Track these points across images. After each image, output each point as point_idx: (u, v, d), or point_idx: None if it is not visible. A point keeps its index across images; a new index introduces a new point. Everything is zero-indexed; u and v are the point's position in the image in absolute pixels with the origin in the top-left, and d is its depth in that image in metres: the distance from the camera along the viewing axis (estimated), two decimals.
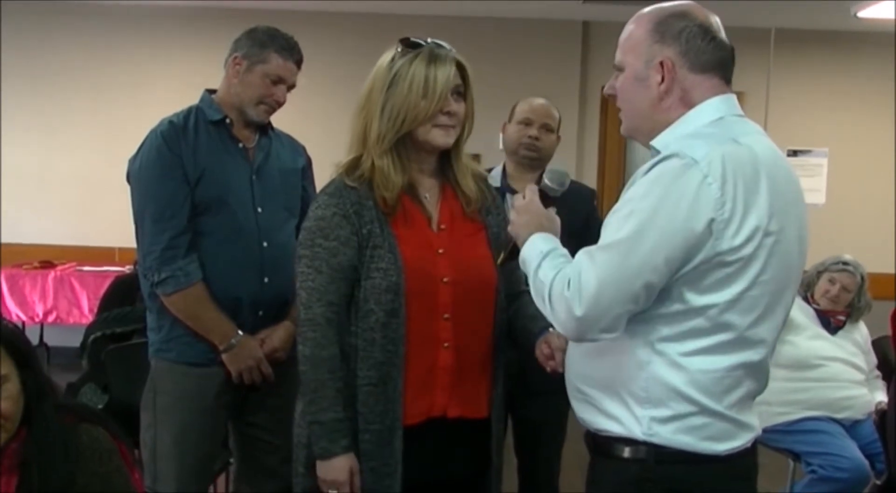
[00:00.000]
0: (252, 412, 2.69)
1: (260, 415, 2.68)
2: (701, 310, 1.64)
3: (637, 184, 1.66)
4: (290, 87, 2.65)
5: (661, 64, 1.70)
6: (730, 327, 1.65)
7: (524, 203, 1.89)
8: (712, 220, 1.59)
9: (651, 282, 1.60)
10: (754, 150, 1.66)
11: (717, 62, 1.72)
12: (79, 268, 6.54)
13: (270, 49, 2.58)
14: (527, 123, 3.12)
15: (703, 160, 1.60)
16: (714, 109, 1.72)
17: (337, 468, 1.95)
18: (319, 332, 1.96)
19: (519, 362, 2.21)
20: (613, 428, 1.72)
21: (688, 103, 1.72)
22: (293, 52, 2.61)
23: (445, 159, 2.09)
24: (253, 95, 2.59)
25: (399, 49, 2.00)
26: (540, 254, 1.75)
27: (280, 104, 2.64)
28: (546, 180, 1.99)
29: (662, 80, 1.70)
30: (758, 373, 1.74)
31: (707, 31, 1.71)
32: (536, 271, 1.73)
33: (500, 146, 3.22)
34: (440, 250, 2.04)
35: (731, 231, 1.60)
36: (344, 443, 1.94)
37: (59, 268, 6.51)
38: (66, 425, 1.74)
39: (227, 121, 2.62)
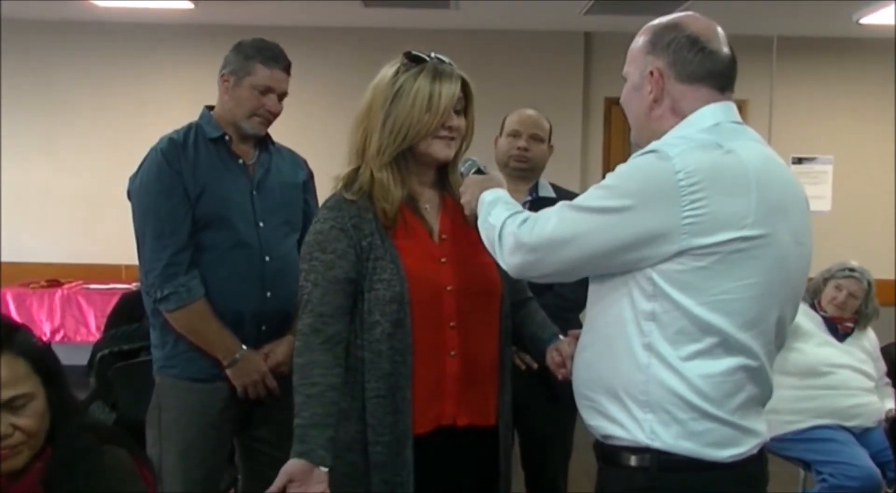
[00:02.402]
0: (257, 426, 2.69)
1: (264, 429, 2.69)
2: (685, 310, 1.65)
3: (619, 166, 1.73)
4: (282, 95, 2.64)
5: (651, 74, 1.76)
6: (714, 330, 1.66)
7: (462, 188, 2.01)
8: (679, 215, 1.62)
9: (594, 255, 1.68)
10: (740, 155, 1.68)
11: (705, 73, 1.75)
12: (85, 286, 6.56)
13: (255, 61, 2.58)
14: (515, 134, 3.14)
15: (676, 157, 1.64)
16: (710, 115, 1.75)
17: (295, 466, 1.88)
18: (302, 341, 1.97)
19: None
20: (618, 432, 1.73)
21: (678, 113, 1.76)
22: (279, 60, 2.61)
23: (444, 171, 2.11)
24: (245, 109, 2.60)
25: (403, 62, 2.01)
26: (486, 204, 1.89)
27: (273, 114, 2.63)
28: (462, 170, 2.09)
29: (652, 89, 1.76)
30: (759, 378, 1.74)
31: (696, 43, 1.74)
32: (486, 217, 1.86)
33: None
34: (442, 260, 2.04)
35: (702, 229, 1.62)
36: (309, 445, 1.89)
37: (66, 286, 6.53)
38: (90, 445, 1.72)
39: (227, 137, 2.64)
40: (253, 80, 2.58)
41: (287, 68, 2.64)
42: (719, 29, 1.79)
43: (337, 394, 1.95)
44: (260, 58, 2.58)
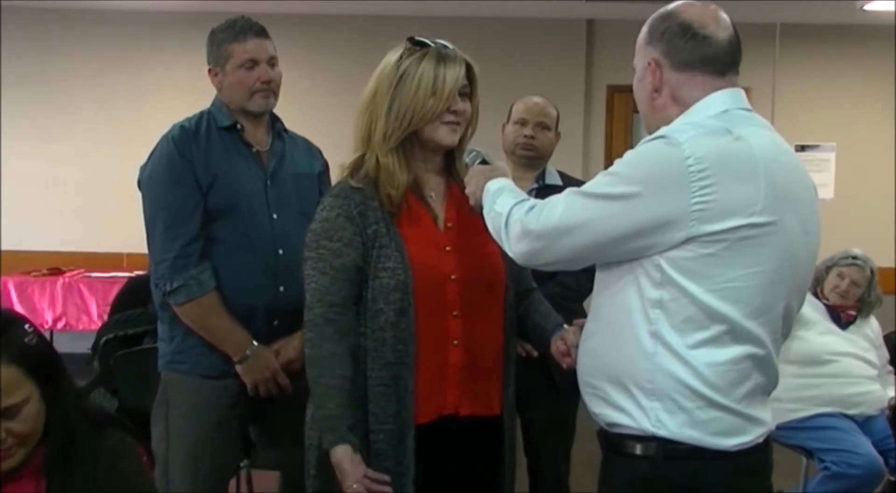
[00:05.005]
0: (269, 420, 2.62)
1: (276, 420, 2.60)
2: (692, 297, 1.65)
3: (627, 153, 1.73)
4: (271, 61, 2.56)
5: (649, 64, 1.77)
6: (722, 317, 1.66)
7: (467, 178, 2.01)
8: (688, 202, 1.61)
9: (602, 242, 1.68)
10: (749, 142, 1.68)
11: (699, 59, 1.74)
12: (87, 274, 6.56)
13: (228, 42, 2.53)
14: (522, 122, 3.13)
15: (686, 143, 1.64)
16: (719, 102, 1.74)
17: (339, 453, 1.91)
18: (315, 332, 1.97)
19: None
20: (623, 420, 1.73)
21: (679, 101, 1.76)
22: (250, 30, 2.53)
23: (450, 158, 2.11)
24: (242, 91, 2.53)
25: (407, 48, 2.01)
26: (491, 193, 1.88)
27: (269, 83, 2.54)
28: (466, 161, 2.09)
29: (651, 80, 1.77)
30: (765, 367, 1.74)
31: (687, 30, 1.74)
32: (492, 206, 1.85)
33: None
34: (447, 248, 2.04)
35: (710, 216, 1.62)
36: (340, 432, 1.91)
37: (68, 275, 6.54)
38: (88, 428, 1.72)
39: (238, 126, 2.57)
40: (235, 61, 2.52)
41: (261, 33, 2.54)
42: (720, 13, 1.78)
43: (353, 385, 1.96)
44: (231, 37, 2.52)
